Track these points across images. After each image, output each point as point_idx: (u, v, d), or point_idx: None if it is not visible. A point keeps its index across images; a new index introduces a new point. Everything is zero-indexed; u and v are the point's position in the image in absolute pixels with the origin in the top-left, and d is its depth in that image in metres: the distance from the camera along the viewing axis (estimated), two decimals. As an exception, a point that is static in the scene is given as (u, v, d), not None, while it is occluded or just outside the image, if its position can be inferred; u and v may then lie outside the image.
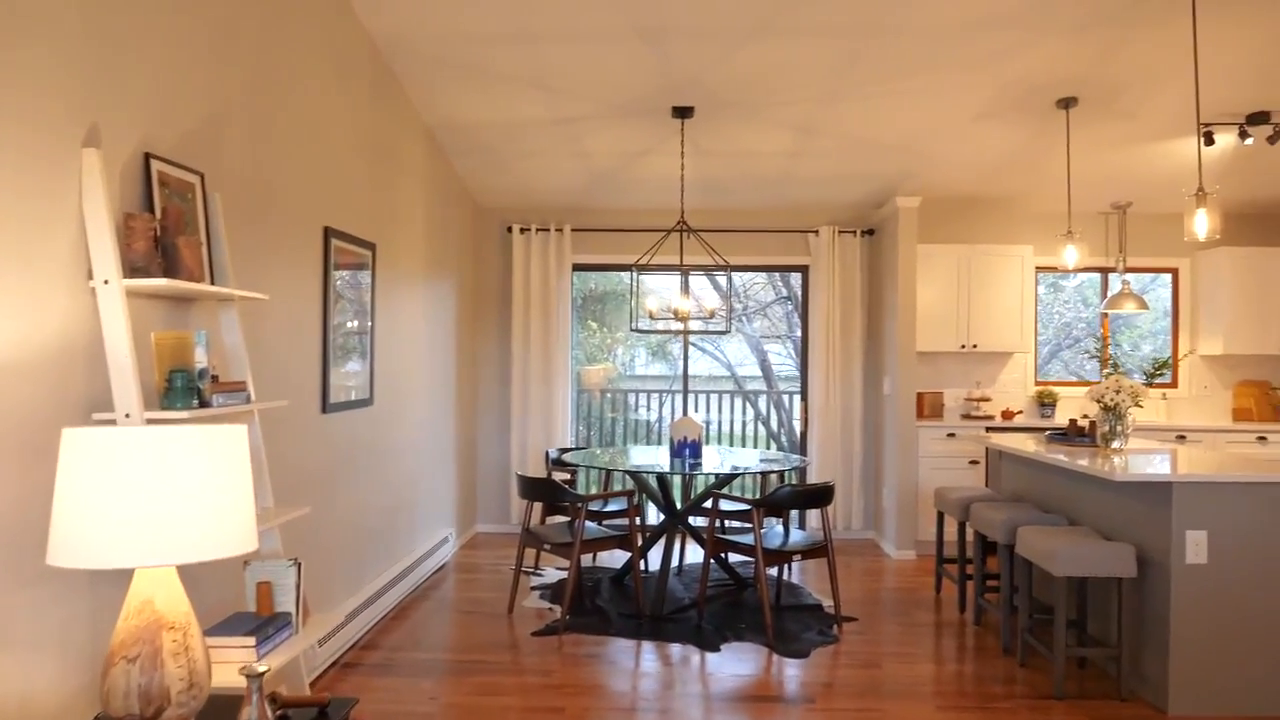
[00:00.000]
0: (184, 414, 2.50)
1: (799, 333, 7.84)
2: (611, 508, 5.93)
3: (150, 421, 2.48)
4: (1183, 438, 6.67)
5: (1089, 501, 4.46)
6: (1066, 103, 5.25)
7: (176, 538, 1.79)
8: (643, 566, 5.88)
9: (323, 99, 4.12)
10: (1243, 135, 5.35)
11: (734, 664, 4.32)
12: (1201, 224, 3.90)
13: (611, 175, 6.66)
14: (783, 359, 11.32)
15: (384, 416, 5.05)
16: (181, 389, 2.56)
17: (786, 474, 6.02)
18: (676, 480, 5.98)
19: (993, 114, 5.48)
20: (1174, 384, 7.25)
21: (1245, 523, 3.72)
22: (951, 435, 6.66)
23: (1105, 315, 7.53)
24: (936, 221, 7.20)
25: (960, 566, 5.22)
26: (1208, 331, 7.09)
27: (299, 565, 2.82)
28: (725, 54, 4.79)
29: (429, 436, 5.98)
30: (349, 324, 4.47)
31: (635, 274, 6.20)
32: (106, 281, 2.40)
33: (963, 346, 6.90)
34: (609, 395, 9.45)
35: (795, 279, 9.41)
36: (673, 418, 9.21)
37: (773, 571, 5.75)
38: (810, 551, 4.87)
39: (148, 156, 2.72)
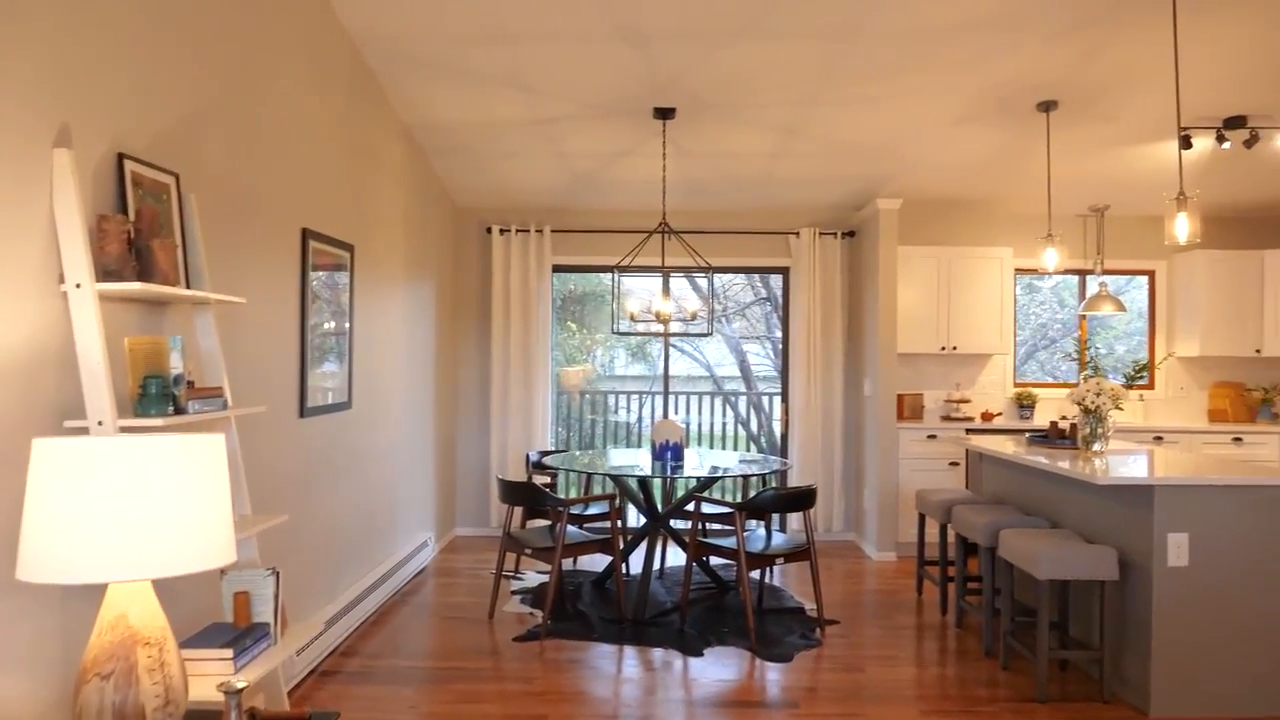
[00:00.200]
0: (159, 421, 2.44)
1: (778, 333, 7.84)
2: (593, 511, 5.90)
3: (124, 429, 2.41)
4: (1160, 439, 6.71)
5: (1070, 504, 4.47)
6: (1047, 106, 5.26)
7: (152, 551, 1.74)
8: (624, 570, 5.85)
9: (300, 98, 4.06)
10: (1220, 139, 5.39)
11: (717, 669, 4.30)
12: (1182, 228, 3.92)
13: (592, 176, 6.62)
14: (761, 359, 11.32)
15: (362, 420, 4.99)
16: (156, 395, 2.50)
17: (767, 476, 6.00)
18: (657, 483, 5.95)
19: (973, 117, 5.49)
20: (1151, 385, 7.31)
21: (1226, 525, 3.74)
22: (932, 437, 6.68)
23: (1083, 317, 7.58)
24: (917, 223, 7.22)
25: (942, 569, 5.23)
26: (1184, 333, 7.15)
27: (277, 574, 2.76)
28: (707, 55, 4.76)
29: (408, 439, 5.92)
30: (327, 326, 4.41)
31: (617, 276, 6.16)
32: (78, 285, 2.34)
33: (942, 348, 6.92)
34: (588, 397, 9.40)
35: (774, 280, 9.40)
36: (652, 419, 9.18)
37: (755, 574, 5.74)
38: (793, 555, 4.85)
39: (121, 157, 2.65)
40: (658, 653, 4.52)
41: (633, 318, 6.04)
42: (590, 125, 5.71)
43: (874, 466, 6.68)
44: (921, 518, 5.58)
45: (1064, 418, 6.28)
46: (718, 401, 9.73)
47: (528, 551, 4.94)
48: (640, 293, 8.96)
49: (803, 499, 4.83)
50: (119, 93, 2.65)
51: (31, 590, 2.26)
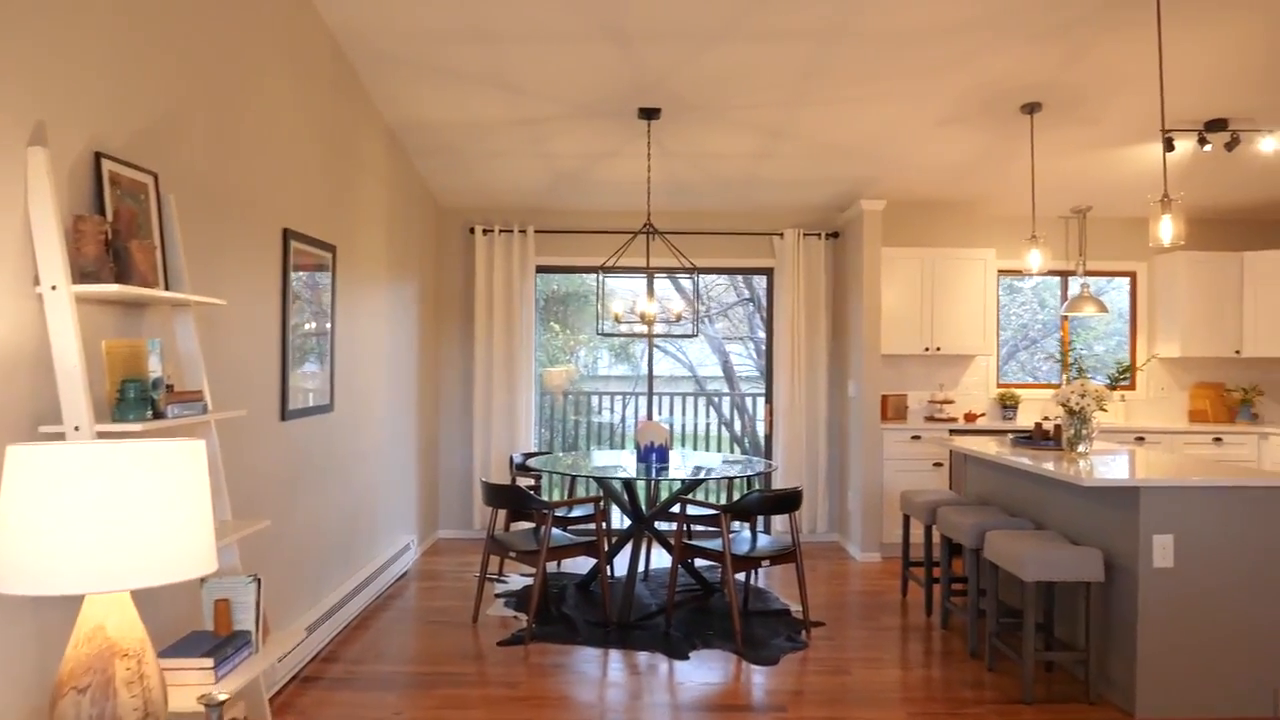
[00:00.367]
0: (137, 426, 2.39)
1: (760, 334, 7.84)
2: (577, 513, 5.86)
3: (101, 434, 2.36)
4: (1141, 439, 6.75)
5: (1055, 505, 4.48)
6: (1030, 108, 5.28)
7: (130, 561, 1.70)
8: (609, 572, 5.81)
9: (281, 97, 4.01)
10: (1201, 142, 5.42)
11: (703, 672, 4.27)
12: (1166, 230, 3.93)
13: (576, 176, 6.59)
14: (743, 359, 11.31)
15: (344, 423, 4.94)
16: (134, 400, 2.45)
17: (752, 478, 5.99)
18: (641, 485, 5.92)
19: (957, 119, 5.50)
20: (1132, 386, 7.35)
21: (1211, 527, 3.75)
22: (916, 438, 6.68)
23: (1065, 318, 7.61)
24: (900, 225, 7.23)
25: (927, 570, 5.23)
26: (1165, 334, 7.20)
27: (259, 581, 2.72)
28: (692, 56, 4.74)
29: (390, 442, 5.87)
30: (308, 327, 4.35)
31: (601, 277, 6.13)
32: (54, 287, 2.29)
33: (926, 349, 6.93)
34: (571, 398, 9.36)
35: (757, 280, 9.39)
36: (636, 420, 9.15)
37: (740, 577, 5.72)
38: (778, 557, 4.84)
39: (98, 156, 2.60)
40: (643, 656, 4.49)
41: (617, 319, 6.01)
42: (574, 125, 5.67)
43: (858, 467, 6.68)
44: (906, 519, 5.58)
45: (1047, 418, 6.30)
46: (701, 402, 9.72)
47: (512, 555, 4.90)
48: (624, 293, 8.92)
49: (789, 501, 4.81)
50: (96, 90, 2.60)
51: (4, 601, 2.21)
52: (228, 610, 2.66)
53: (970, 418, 6.99)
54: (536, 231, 7.19)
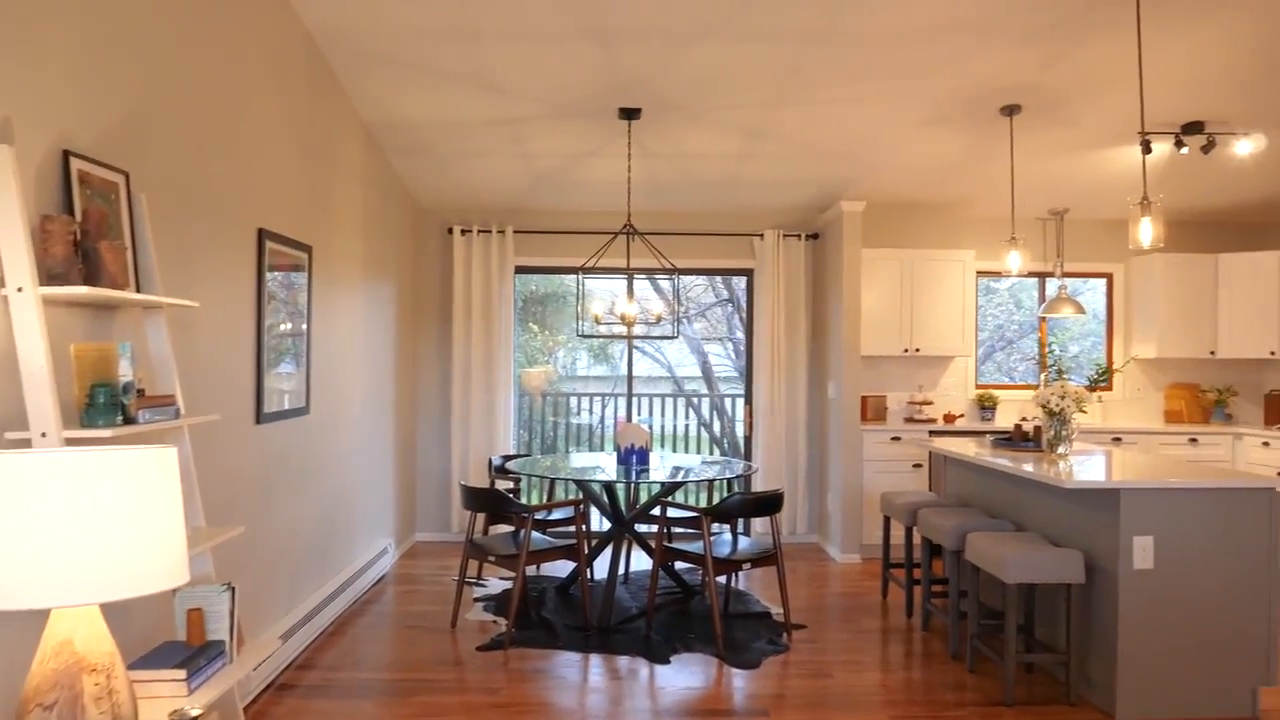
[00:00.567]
0: (107, 432, 2.33)
1: (739, 334, 7.82)
2: (556, 516, 5.81)
3: (69, 441, 2.30)
4: (1118, 440, 6.79)
5: (1036, 506, 4.48)
6: (1010, 110, 5.29)
7: (99, 573, 1.64)
8: (588, 575, 5.77)
9: (256, 95, 3.94)
10: (1178, 145, 5.45)
11: (684, 676, 4.24)
12: (1146, 232, 3.94)
13: (556, 176, 6.54)
14: (722, 359, 11.31)
15: (321, 425, 4.87)
16: (104, 405, 2.38)
17: (733, 480, 5.97)
18: (622, 487, 5.88)
19: (938, 120, 5.50)
20: (1109, 387, 7.39)
21: (1191, 528, 3.77)
22: (896, 439, 6.69)
23: (1044, 319, 7.65)
24: (880, 226, 7.24)
25: (907, 572, 5.23)
26: (1141, 335, 7.25)
27: (233, 590, 2.66)
28: (673, 56, 4.71)
29: (367, 444, 5.80)
30: (284, 328, 4.28)
31: (581, 278, 6.09)
32: (20, 289, 2.22)
33: (905, 350, 6.94)
34: (550, 399, 9.31)
35: (736, 281, 9.39)
36: (615, 421, 9.12)
37: (721, 579, 5.70)
38: (760, 560, 4.82)
39: (66, 154, 2.53)
40: (623, 661, 4.45)
41: (597, 320, 5.97)
42: (554, 125, 5.63)
43: (838, 469, 6.67)
44: (886, 520, 5.58)
45: (1025, 419, 6.33)
46: (680, 403, 9.69)
47: (491, 559, 4.85)
48: (603, 294, 8.89)
49: (770, 503, 4.79)
50: (65, 86, 2.53)
51: (-31, 612, 2.14)
52: (201, 620, 2.60)
53: (949, 419, 7.01)
54: (516, 232, 7.13)
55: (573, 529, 5.82)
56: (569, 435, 9.05)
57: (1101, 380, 5.08)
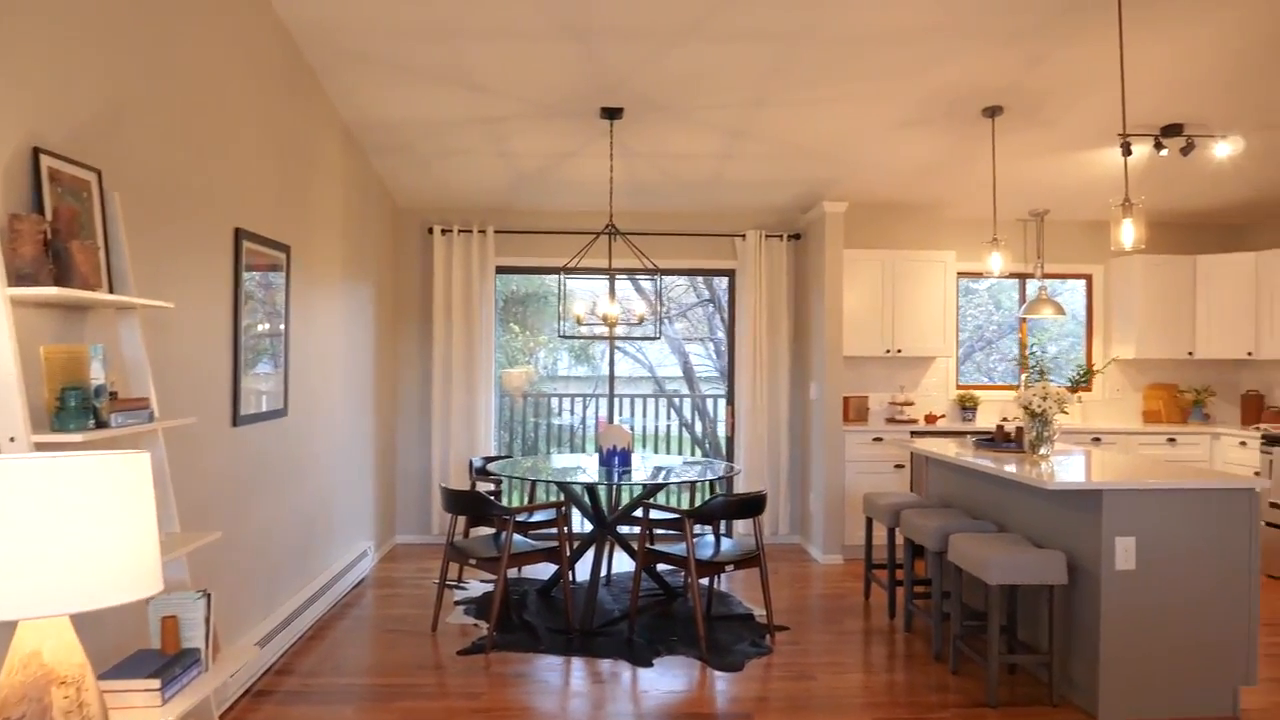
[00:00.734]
0: (78, 437, 2.27)
1: (720, 334, 7.80)
2: (538, 517, 5.77)
3: (39, 446, 2.24)
4: (1098, 440, 6.83)
5: (1018, 507, 4.49)
6: (992, 111, 5.29)
7: (68, 583, 1.59)
8: (570, 577, 5.74)
9: (233, 93, 3.87)
10: (1158, 146, 5.48)
11: (667, 679, 4.22)
12: (1128, 233, 3.95)
13: (537, 176, 6.50)
14: (703, 359, 11.29)
15: (299, 427, 4.80)
16: (75, 408, 2.33)
17: (715, 481, 5.95)
18: (604, 489, 5.85)
19: (920, 121, 5.50)
20: (1089, 387, 7.43)
21: (1172, 528, 3.78)
22: (878, 439, 6.69)
23: (1024, 320, 7.68)
24: (862, 226, 7.24)
25: (890, 572, 5.22)
26: (1120, 336, 7.29)
27: (208, 597, 2.60)
28: (655, 55, 4.68)
29: (347, 446, 5.73)
30: (261, 328, 4.22)
31: (563, 278, 6.05)
32: (-12, 290, 2.16)
33: (887, 351, 6.94)
34: (531, 399, 9.27)
35: (717, 281, 9.37)
36: (596, 421, 9.08)
37: (703, 581, 5.67)
38: (742, 561, 4.80)
39: (36, 151, 2.47)
40: (606, 664, 4.42)
41: (579, 320, 5.93)
42: (536, 124, 5.59)
43: (820, 469, 6.67)
44: (869, 521, 5.57)
45: (1006, 420, 6.34)
46: (662, 404, 9.67)
47: (472, 562, 4.80)
48: (584, 294, 8.84)
49: (753, 505, 4.77)
50: (34, 82, 2.47)
51: (-65, 622, 2.08)
52: (175, 627, 2.55)
53: (931, 419, 7.02)
54: (496, 232, 7.09)
55: (554, 531, 5.78)
56: (550, 436, 9.01)
57: (1083, 381, 5.09)
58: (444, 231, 7.00)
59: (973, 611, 4.79)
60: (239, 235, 3.93)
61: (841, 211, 6.60)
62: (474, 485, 5.76)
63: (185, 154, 3.43)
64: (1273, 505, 6.12)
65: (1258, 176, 6.38)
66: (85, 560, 1.62)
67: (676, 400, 10.32)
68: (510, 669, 4.33)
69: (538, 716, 3.77)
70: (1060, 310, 6.61)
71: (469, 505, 4.79)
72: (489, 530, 6.19)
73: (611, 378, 7.69)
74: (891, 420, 7.03)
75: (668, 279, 10.21)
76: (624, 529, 5.82)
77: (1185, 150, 5.49)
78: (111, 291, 2.73)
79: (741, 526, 7.11)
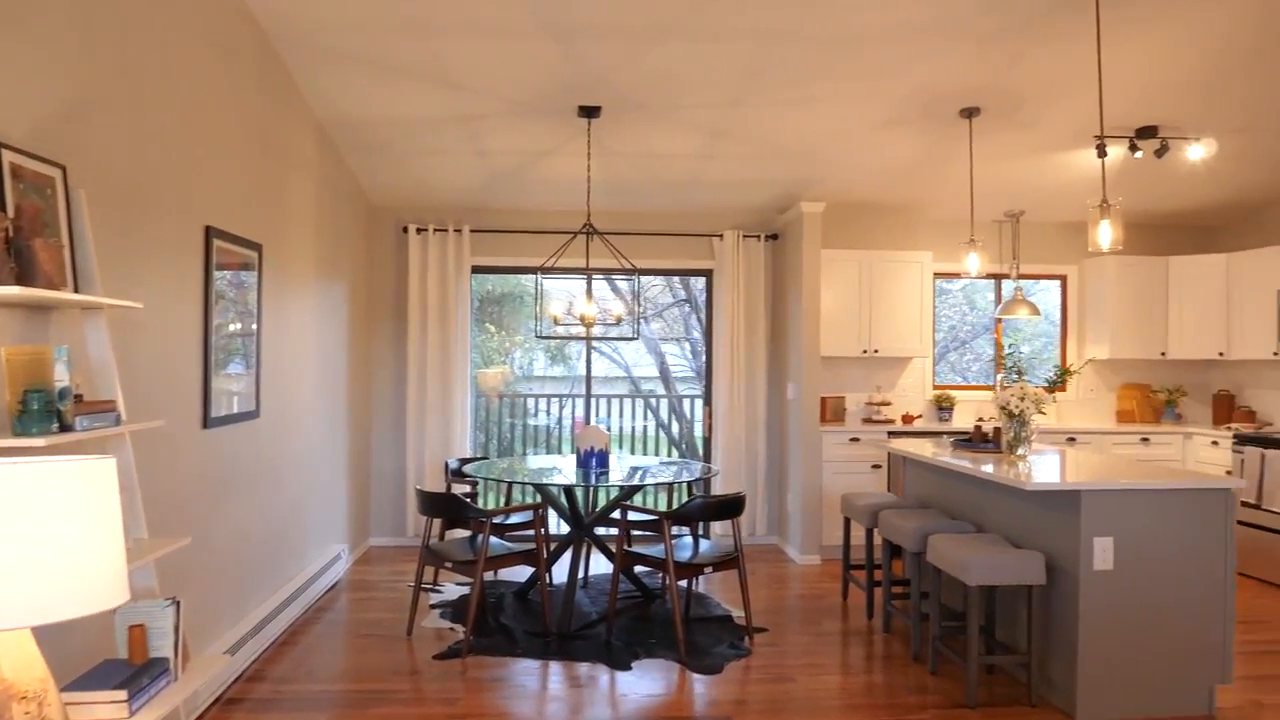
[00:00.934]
0: (41, 441, 2.20)
1: (696, 334, 7.78)
2: (515, 520, 5.72)
3: (0, 451, 2.17)
4: (1073, 440, 6.87)
5: (996, 508, 4.49)
6: (969, 112, 5.30)
7: (29, 595, 1.53)
8: (547, 580, 5.69)
9: (204, 88, 3.80)
10: (1133, 148, 5.51)
11: (646, 683, 4.18)
12: (1105, 234, 3.96)
13: (514, 175, 6.44)
14: (679, 359, 11.27)
15: (271, 429, 4.72)
16: (38, 412, 2.26)
17: (693, 483, 5.92)
18: (581, 490, 5.81)
19: (898, 121, 5.50)
20: (1064, 387, 7.48)
21: (1149, 528, 3.79)
22: (855, 440, 6.69)
23: (999, 321, 7.71)
24: (839, 227, 7.24)
25: (868, 573, 5.22)
26: (1094, 336, 7.34)
27: (177, 604, 2.54)
28: (634, 54, 4.64)
29: (320, 448, 5.65)
30: (233, 328, 4.14)
31: (540, 279, 5.99)
32: (-54, 290, 2.09)
33: (864, 351, 6.95)
34: (506, 400, 9.20)
35: (694, 281, 9.35)
36: (572, 422, 9.03)
37: (682, 583, 5.64)
38: (721, 563, 4.77)
39: (-2, 147, 2.40)
40: (584, 667, 4.38)
41: (556, 321, 5.88)
42: (512, 123, 5.53)
43: (797, 470, 6.66)
44: (847, 522, 5.57)
45: (983, 419, 6.36)
46: (639, 404, 9.63)
47: (448, 565, 4.74)
48: (560, 294, 8.79)
49: (731, 507, 4.75)
50: (-5, 76, 2.40)
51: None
52: (143, 636, 2.48)
53: (907, 419, 7.03)
54: (472, 231, 7.02)
55: (531, 533, 5.73)
56: (526, 437, 8.95)
57: (1060, 381, 5.11)
58: (419, 230, 6.93)
59: (951, 612, 4.79)
60: (209, 233, 3.85)
61: (819, 212, 6.59)
62: (449, 487, 5.70)
63: (154, 150, 3.36)
64: (1245, 504, 6.18)
65: (1230, 179, 6.45)
66: (47, 571, 1.56)
67: (653, 401, 10.29)
68: (487, 673, 4.28)
69: (515, 722, 3.73)
70: (1035, 310, 6.64)
71: (444, 507, 4.73)
72: (465, 533, 6.13)
73: (588, 378, 7.65)
74: (868, 420, 7.04)
75: (644, 279, 10.18)
76: (602, 531, 5.78)
77: (1160, 152, 5.53)
78: (77, 291, 2.66)
79: (719, 528, 7.09)
